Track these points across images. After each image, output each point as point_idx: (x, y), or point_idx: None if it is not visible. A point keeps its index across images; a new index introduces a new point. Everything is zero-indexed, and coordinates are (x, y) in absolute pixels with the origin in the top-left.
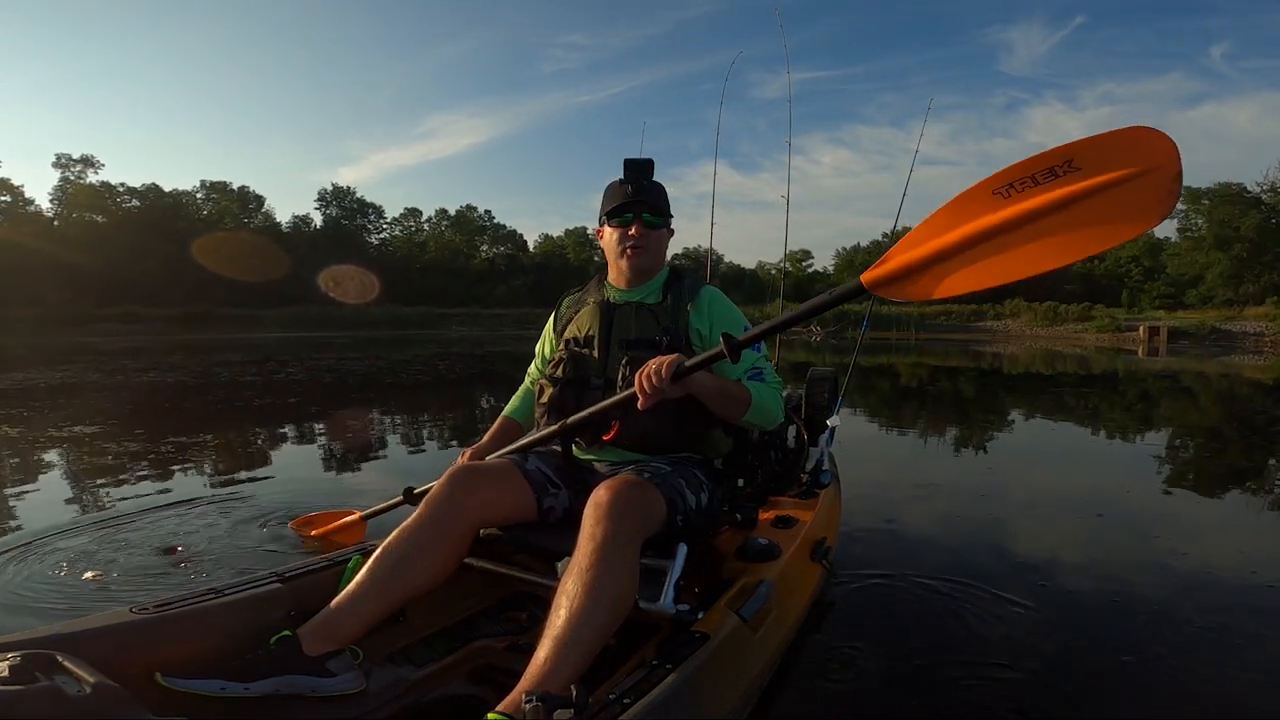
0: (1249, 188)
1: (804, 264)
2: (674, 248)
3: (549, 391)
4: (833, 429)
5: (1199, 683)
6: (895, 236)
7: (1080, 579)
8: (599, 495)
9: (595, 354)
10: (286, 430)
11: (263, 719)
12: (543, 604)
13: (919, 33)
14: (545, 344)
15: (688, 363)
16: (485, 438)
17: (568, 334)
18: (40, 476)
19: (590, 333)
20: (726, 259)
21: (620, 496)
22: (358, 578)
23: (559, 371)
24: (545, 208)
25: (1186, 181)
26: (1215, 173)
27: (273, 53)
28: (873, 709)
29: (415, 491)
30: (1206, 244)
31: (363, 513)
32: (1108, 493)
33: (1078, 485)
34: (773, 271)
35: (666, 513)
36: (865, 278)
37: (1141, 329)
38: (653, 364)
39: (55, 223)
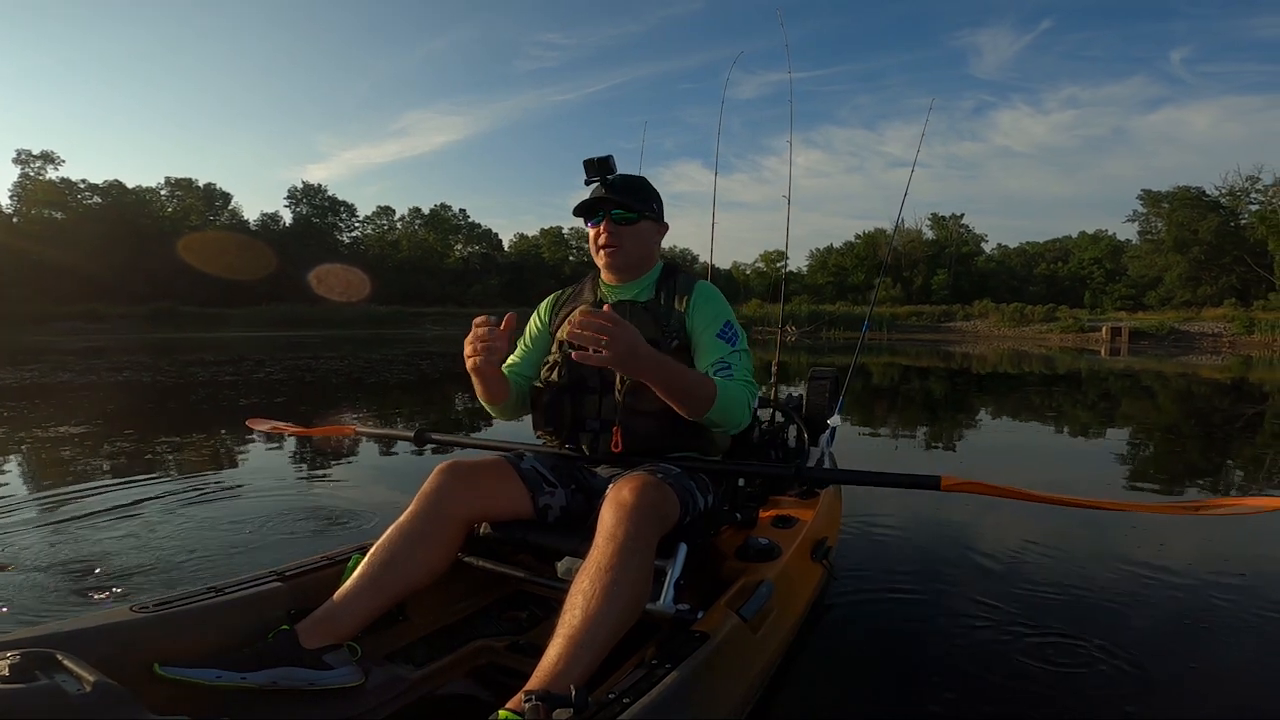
0: (1207, 191)
1: (778, 264)
2: None
3: (545, 396)
4: (833, 429)
5: (1182, 675)
6: (887, 241)
7: (1073, 577)
8: (621, 495)
9: None
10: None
11: (261, 714)
12: (543, 603)
13: (893, 36)
14: (531, 327)
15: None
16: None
17: (561, 335)
18: (33, 476)
19: None
20: (701, 259)
21: (643, 497)
22: (354, 574)
23: (554, 376)
24: (520, 207)
25: (1147, 185)
26: (1174, 176)
27: (240, 48)
28: (873, 709)
29: (426, 434)
30: (1166, 246)
31: (358, 426)
32: (1078, 489)
33: (1048, 481)
34: (747, 272)
35: (680, 514)
36: (945, 483)
37: (1104, 330)
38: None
39: (15, 219)
